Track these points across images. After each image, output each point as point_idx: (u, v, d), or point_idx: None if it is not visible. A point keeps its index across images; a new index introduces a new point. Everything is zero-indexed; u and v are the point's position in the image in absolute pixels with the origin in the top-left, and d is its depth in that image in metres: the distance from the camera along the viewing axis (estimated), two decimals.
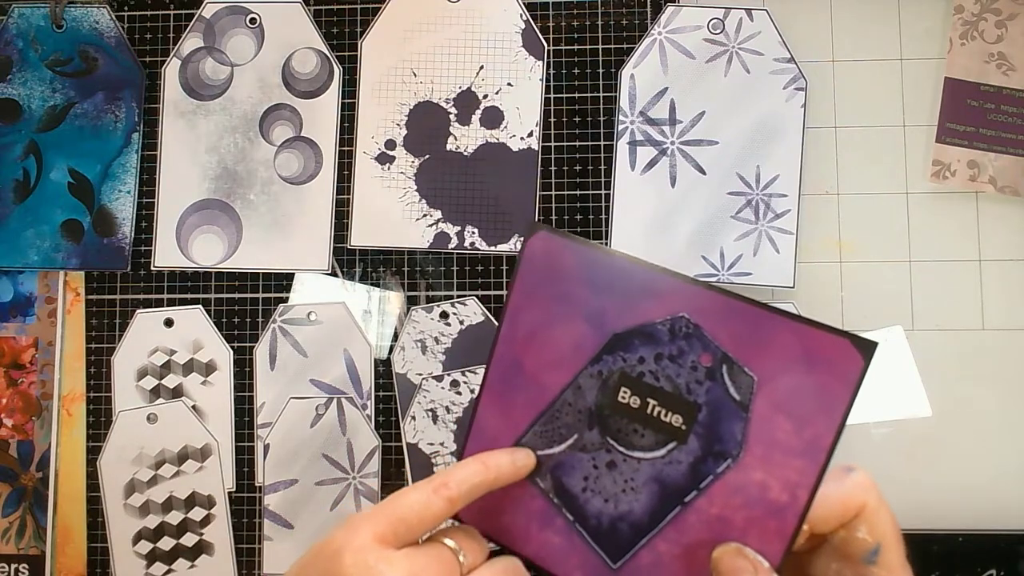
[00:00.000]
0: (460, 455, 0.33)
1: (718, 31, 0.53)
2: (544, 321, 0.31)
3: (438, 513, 0.28)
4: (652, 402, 0.30)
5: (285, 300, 0.55)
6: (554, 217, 0.54)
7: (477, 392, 0.33)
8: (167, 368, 0.54)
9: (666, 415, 0.30)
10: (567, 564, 0.31)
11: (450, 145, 0.54)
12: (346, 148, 0.55)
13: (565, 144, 0.55)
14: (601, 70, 0.55)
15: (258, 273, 0.55)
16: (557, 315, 0.31)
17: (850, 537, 0.28)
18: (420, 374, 0.53)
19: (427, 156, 0.54)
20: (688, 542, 0.29)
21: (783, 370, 0.28)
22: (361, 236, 0.54)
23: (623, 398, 0.30)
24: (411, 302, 0.54)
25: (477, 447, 0.33)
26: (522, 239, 0.31)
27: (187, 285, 0.55)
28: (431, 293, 0.55)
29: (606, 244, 0.53)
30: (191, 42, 0.55)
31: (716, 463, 0.29)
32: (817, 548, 0.30)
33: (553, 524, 0.32)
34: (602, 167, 0.54)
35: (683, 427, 0.29)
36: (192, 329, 0.54)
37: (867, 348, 0.27)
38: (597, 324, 0.31)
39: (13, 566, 0.55)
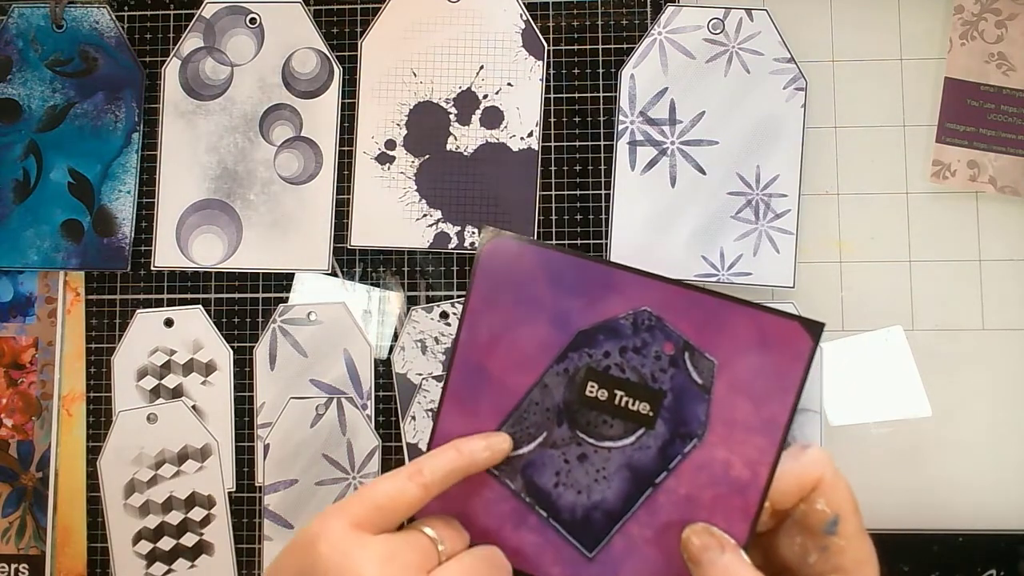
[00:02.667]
0: None
1: (718, 31, 0.53)
2: (507, 325, 0.32)
3: (412, 500, 0.29)
4: (619, 393, 0.31)
5: (285, 300, 0.55)
6: (554, 217, 0.54)
7: (438, 401, 0.33)
8: (167, 368, 0.54)
9: (633, 404, 0.31)
10: (543, 560, 0.32)
11: (450, 145, 0.54)
12: (346, 148, 0.55)
13: (565, 144, 0.55)
14: (601, 70, 0.55)
15: (258, 273, 0.55)
16: (520, 318, 0.32)
17: (810, 510, 0.30)
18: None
19: (427, 156, 0.54)
20: (659, 524, 0.31)
21: (741, 353, 0.30)
22: (361, 236, 0.54)
23: (591, 392, 0.31)
24: (411, 302, 0.54)
25: None
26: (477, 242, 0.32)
27: (187, 285, 0.55)
28: (431, 293, 0.55)
29: (606, 241, 0.53)
30: (191, 42, 0.55)
31: (683, 444, 0.31)
32: (780, 526, 0.31)
33: (526, 522, 0.32)
34: (602, 167, 0.54)
35: (650, 413, 0.31)
36: (192, 329, 0.54)
37: (815, 328, 0.29)
38: (562, 323, 0.32)
39: (13, 566, 0.55)
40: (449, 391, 0.33)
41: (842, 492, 0.29)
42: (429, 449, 0.33)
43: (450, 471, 0.30)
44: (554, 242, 0.54)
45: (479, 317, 0.32)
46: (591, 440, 0.32)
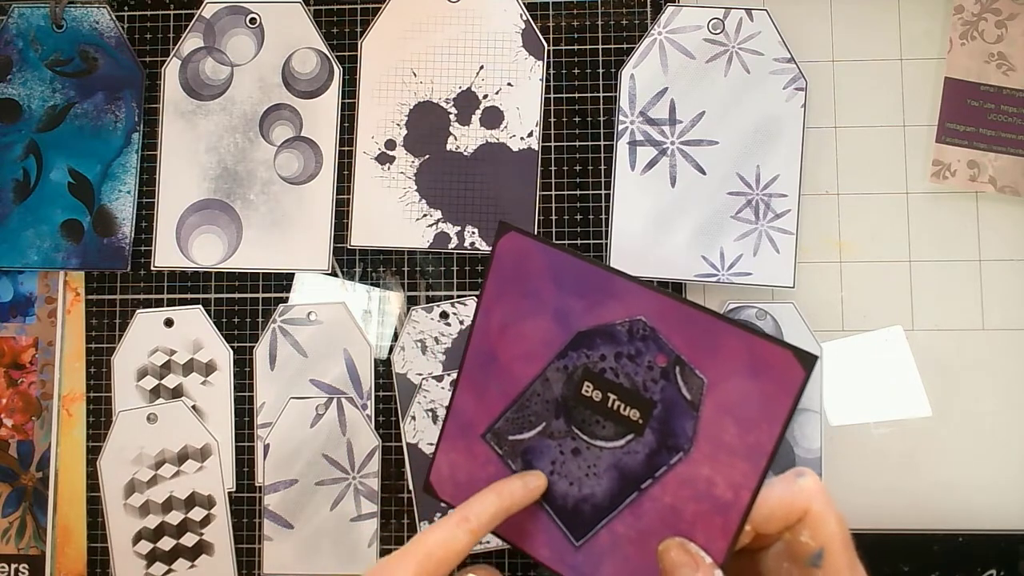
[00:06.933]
0: (439, 436, 0.36)
1: (718, 31, 0.53)
2: (515, 316, 0.34)
3: (462, 547, 0.30)
4: (612, 396, 0.32)
5: (285, 300, 0.55)
6: (554, 217, 0.54)
7: (456, 377, 0.35)
8: (167, 368, 0.54)
9: (625, 409, 0.32)
10: (535, 541, 0.34)
11: (450, 145, 0.54)
12: (346, 148, 0.55)
13: (565, 144, 0.55)
14: (601, 70, 0.55)
15: (258, 273, 0.55)
16: (527, 311, 0.33)
17: (794, 540, 0.29)
18: (420, 374, 0.53)
19: (427, 156, 0.54)
20: (643, 528, 0.31)
21: (731, 375, 0.30)
22: (361, 236, 0.54)
23: (586, 391, 0.32)
24: (411, 302, 0.54)
25: (455, 428, 0.36)
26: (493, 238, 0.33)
27: (187, 285, 0.55)
28: (431, 293, 0.55)
29: (606, 241, 0.53)
30: (191, 42, 0.55)
31: (669, 455, 0.31)
32: (770, 546, 0.31)
33: None
34: (602, 167, 0.54)
35: (640, 421, 0.31)
36: (192, 329, 0.54)
37: (808, 360, 0.28)
38: (563, 322, 0.33)
39: (13, 566, 0.55)
40: (463, 373, 0.35)
41: (831, 526, 0.29)
42: (445, 420, 0.36)
43: (494, 514, 0.32)
44: (564, 242, 0.54)
45: (492, 306, 0.34)
46: (584, 437, 0.33)
